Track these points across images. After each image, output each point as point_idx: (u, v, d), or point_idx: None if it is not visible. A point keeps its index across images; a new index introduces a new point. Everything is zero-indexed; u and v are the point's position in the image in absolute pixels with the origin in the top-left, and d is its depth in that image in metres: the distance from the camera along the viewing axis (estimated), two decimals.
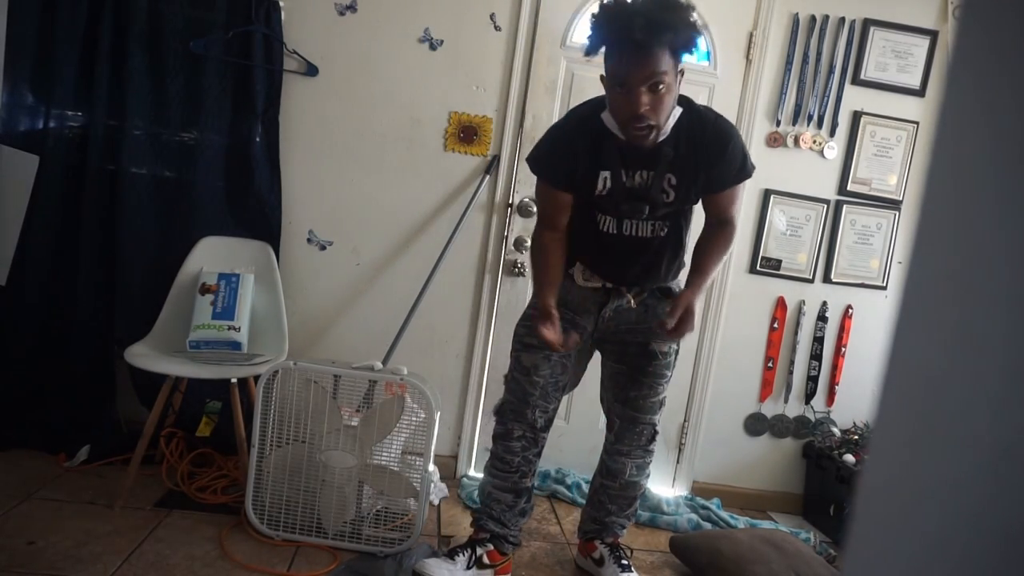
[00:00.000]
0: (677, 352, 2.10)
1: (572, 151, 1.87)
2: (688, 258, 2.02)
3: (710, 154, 1.84)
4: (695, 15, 1.70)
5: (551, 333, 1.87)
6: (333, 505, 2.19)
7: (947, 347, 0.29)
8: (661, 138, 1.79)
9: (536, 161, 1.96)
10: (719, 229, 1.97)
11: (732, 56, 2.82)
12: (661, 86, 1.68)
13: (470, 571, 2.08)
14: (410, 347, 2.64)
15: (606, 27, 1.68)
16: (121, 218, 2.57)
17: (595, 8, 1.73)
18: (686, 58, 1.77)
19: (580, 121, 1.89)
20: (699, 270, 1.92)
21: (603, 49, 1.72)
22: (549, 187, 1.95)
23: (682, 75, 1.77)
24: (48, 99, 2.53)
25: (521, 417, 2.05)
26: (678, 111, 1.82)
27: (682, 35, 1.67)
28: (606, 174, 1.86)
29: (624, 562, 2.18)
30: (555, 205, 1.95)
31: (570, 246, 2.01)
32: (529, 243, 2.57)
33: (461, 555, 2.07)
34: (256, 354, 2.52)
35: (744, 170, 1.90)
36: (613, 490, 2.15)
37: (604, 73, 1.76)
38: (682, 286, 1.99)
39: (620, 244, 1.93)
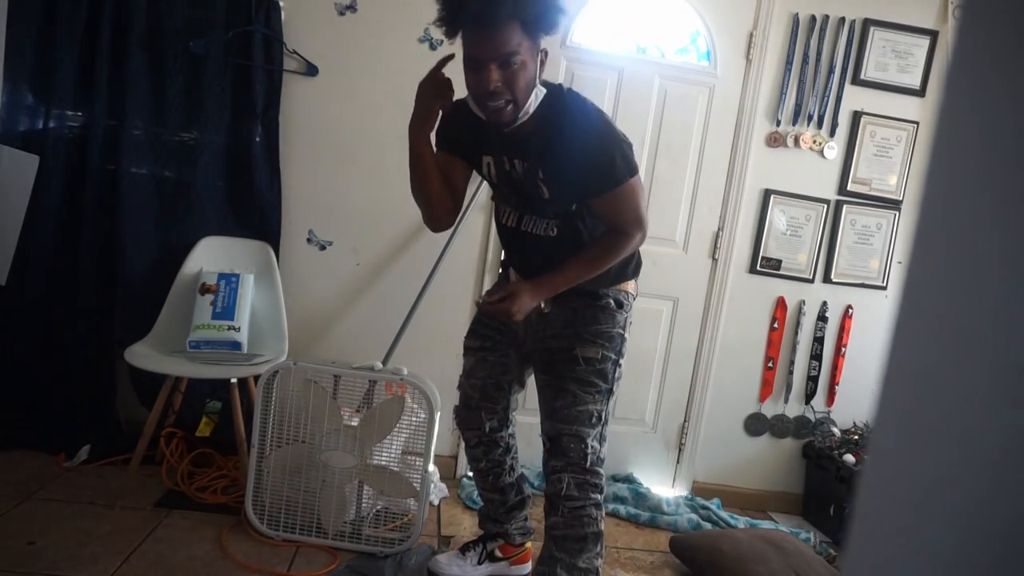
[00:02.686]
0: (615, 363, 1.82)
1: (458, 125, 1.75)
2: (616, 266, 1.80)
3: (574, 153, 1.63)
4: None
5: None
6: (333, 505, 2.19)
7: (947, 347, 0.29)
8: (523, 117, 1.61)
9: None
10: (606, 235, 1.75)
11: (732, 56, 2.82)
12: (514, 61, 1.52)
13: (481, 566, 2.13)
14: (410, 347, 2.64)
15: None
16: (121, 218, 2.57)
17: None
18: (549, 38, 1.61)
19: (464, 101, 1.71)
20: (555, 266, 1.74)
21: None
22: (439, 150, 1.80)
23: (544, 56, 1.61)
24: (48, 99, 2.53)
25: (470, 423, 2.02)
26: (542, 92, 1.64)
27: (528, 6, 1.49)
28: (488, 159, 1.78)
29: None
30: (441, 161, 1.78)
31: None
32: None
33: (472, 551, 2.13)
34: (256, 354, 2.52)
35: (611, 177, 1.64)
36: (558, 528, 1.81)
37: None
38: (618, 295, 1.83)
39: (521, 240, 1.83)
